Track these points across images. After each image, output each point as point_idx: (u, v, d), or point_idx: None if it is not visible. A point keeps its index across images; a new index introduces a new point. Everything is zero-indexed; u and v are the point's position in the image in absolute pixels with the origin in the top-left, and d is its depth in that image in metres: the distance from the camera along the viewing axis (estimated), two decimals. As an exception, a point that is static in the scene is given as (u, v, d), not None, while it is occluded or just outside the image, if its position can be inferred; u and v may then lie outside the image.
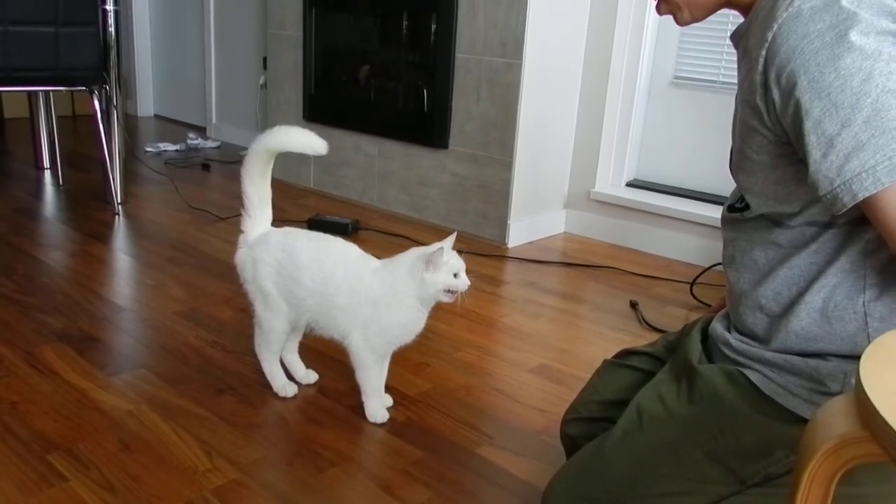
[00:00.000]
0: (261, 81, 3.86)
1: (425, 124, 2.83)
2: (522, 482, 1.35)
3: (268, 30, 3.40)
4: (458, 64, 2.69)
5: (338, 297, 1.44)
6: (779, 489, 0.94)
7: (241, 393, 1.58)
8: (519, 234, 2.73)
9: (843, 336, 0.91)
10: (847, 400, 0.60)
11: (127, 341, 1.82)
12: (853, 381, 0.86)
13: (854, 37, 0.78)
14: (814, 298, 0.92)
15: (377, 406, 1.51)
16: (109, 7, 2.73)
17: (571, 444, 1.26)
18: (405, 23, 2.86)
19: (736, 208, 1.02)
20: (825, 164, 0.80)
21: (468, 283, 1.42)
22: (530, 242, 2.77)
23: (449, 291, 1.40)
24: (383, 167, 3.05)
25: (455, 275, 1.40)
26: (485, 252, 2.62)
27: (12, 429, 1.40)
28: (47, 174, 3.34)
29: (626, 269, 2.52)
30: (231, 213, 2.87)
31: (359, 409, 1.55)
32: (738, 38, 0.98)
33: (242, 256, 1.54)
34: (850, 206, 0.80)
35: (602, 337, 1.98)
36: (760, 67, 0.85)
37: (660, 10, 1.03)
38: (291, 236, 1.51)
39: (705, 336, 1.11)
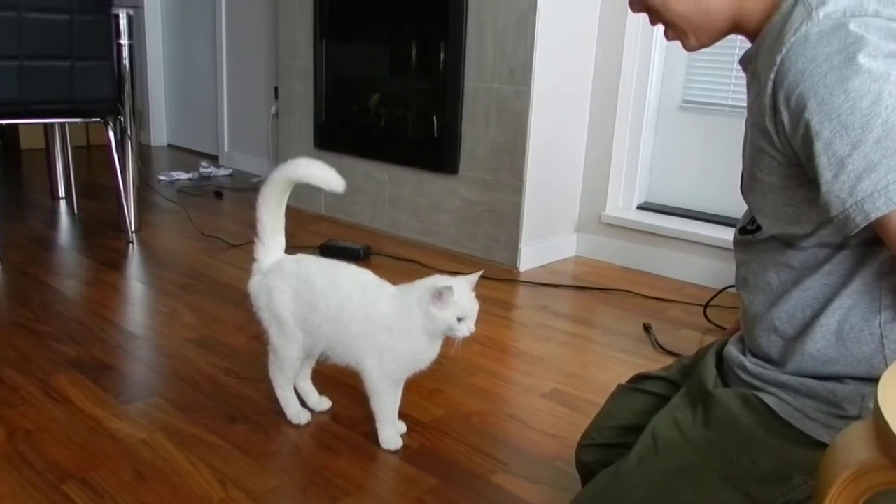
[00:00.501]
0: (272, 111, 3.90)
1: (435, 150, 2.85)
2: (538, 509, 1.33)
3: (279, 60, 3.45)
4: (468, 91, 2.72)
5: (353, 322, 1.43)
6: None
7: (254, 420, 1.57)
8: (530, 257, 2.73)
9: (860, 358, 0.90)
10: (866, 426, 0.60)
11: (140, 369, 1.83)
12: (871, 404, 0.85)
13: (862, 60, 0.79)
14: (829, 321, 0.92)
15: (391, 433, 1.50)
16: (124, 41, 2.78)
17: (586, 471, 1.25)
18: (415, 51, 2.90)
19: (748, 230, 1.02)
20: (837, 184, 0.80)
21: (470, 332, 1.38)
22: (542, 266, 2.77)
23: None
24: (394, 193, 3.07)
25: (461, 318, 1.37)
26: (496, 276, 2.62)
27: (27, 458, 1.40)
28: (62, 203, 3.37)
29: (638, 292, 2.52)
30: (243, 241, 2.89)
31: (373, 436, 1.54)
32: (746, 61, 0.99)
33: (256, 284, 1.54)
34: (862, 226, 0.80)
35: (615, 361, 1.97)
36: (769, 90, 0.86)
37: (668, 35, 1.03)
38: (306, 263, 1.51)
39: (720, 360, 1.10)
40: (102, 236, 2.89)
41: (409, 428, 1.57)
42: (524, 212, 2.65)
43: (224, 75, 4.35)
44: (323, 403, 1.63)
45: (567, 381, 1.85)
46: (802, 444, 0.93)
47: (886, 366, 0.86)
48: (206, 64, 4.55)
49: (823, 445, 0.89)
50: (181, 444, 1.48)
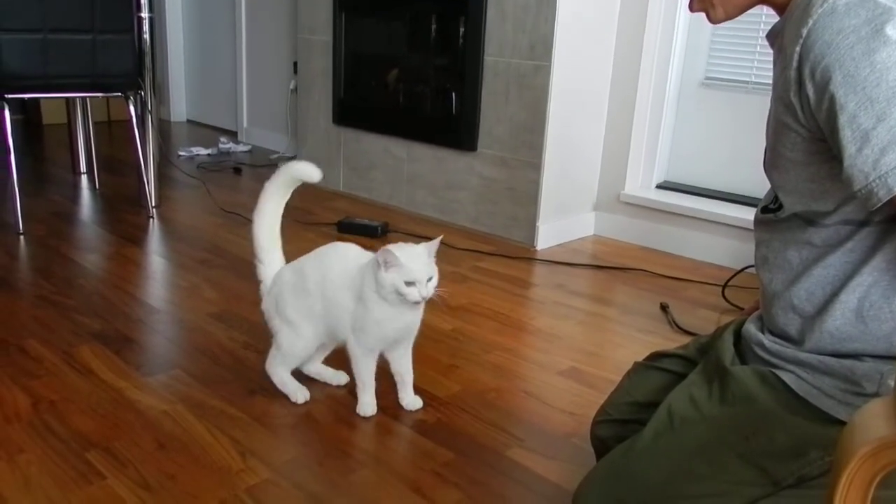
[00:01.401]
0: (291, 86, 3.90)
1: (454, 127, 2.83)
2: (552, 485, 1.34)
3: (298, 35, 3.44)
4: (487, 67, 2.70)
5: (336, 292, 1.46)
6: (813, 491, 0.93)
7: (273, 394, 1.59)
8: (548, 236, 2.72)
9: (879, 336, 0.90)
10: (885, 403, 0.59)
11: (161, 342, 1.85)
12: (890, 381, 0.86)
13: (890, 31, 0.78)
14: (849, 298, 0.91)
15: (367, 400, 1.53)
16: (144, 14, 2.78)
17: (601, 446, 1.25)
18: (434, 26, 2.88)
19: (770, 209, 1.02)
20: (860, 158, 0.79)
21: (422, 296, 1.37)
22: (559, 245, 2.76)
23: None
24: (412, 170, 3.06)
25: (409, 283, 1.36)
26: (514, 254, 2.62)
27: (52, 427, 1.43)
28: (84, 178, 3.41)
29: (656, 272, 2.50)
30: (262, 217, 2.91)
31: (389, 410, 1.56)
32: (773, 36, 0.98)
33: (267, 303, 1.58)
34: (885, 200, 0.79)
35: (632, 340, 1.97)
36: (795, 63, 0.85)
37: (692, 6, 1.02)
38: (301, 260, 1.55)
39: (738, 338, 1.10)
40: (123, 211, 2.92)
41: (425, 403, 1.58)
42: (542, 190, 2.64)
43: (243, 50, 4.35)
44: (339, 377, 1.65)
45: (584, 358, 1.85)
46: (819, 421, 0.93)
47: None
48: (226, 39, 4.55)
49: (841, 423, 0.90)
50: (202, 415, 1.50)
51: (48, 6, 2.50)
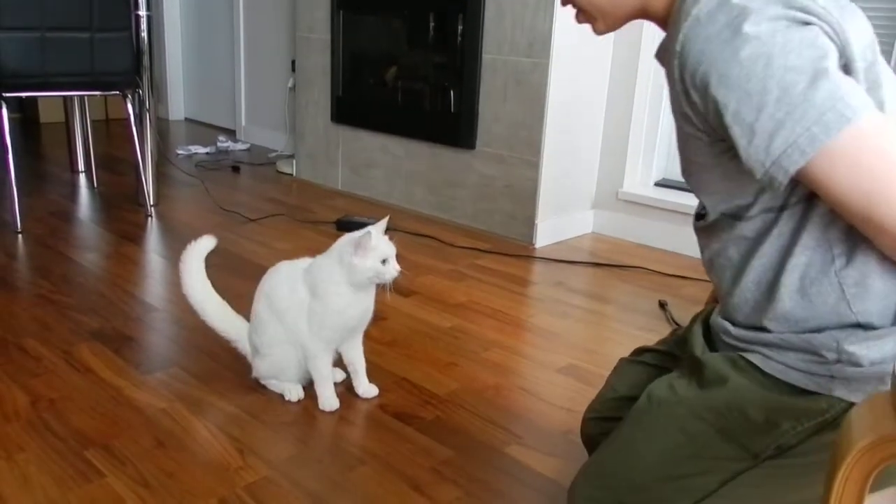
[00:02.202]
0: (289, 84, 3.90)
1: (452, 125, 2.83)
2: (550, 481, 1.35)
3: (296, 33, 3.44)
4: (485, 64, 2.70)
5: (288, 314, 1.50)
6: (793, 459, 0.97)
7: (271, 392, 1.59)
8: (546, 234, 2.73)
9: (826, 310, 0.94)
10: (883, 398, 0.59)
11: (160, 340, 1.85)
12: (847, 346, 0.90)
13: (748, 28, 0.82)
14: (790, 280, 0.95)
15: (328, 394, 1.54)
16: (142, 13, 2.78)
17: (591, 444, 1.28)
18: (432, 24, 2.88)
19: (700, 215, 1.07)
20: (752, 149, 0.84)
21: (397, 270, 1.45)
22: (558, 242, 2.76)
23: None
24: (410, 168, 3.06)
25: (384, 261, 1.43)
26: (512, 252, 2.62)
27: (50, 425, 1.43)
28: (82, 177, 3.41)
29: (654, 269, 2.51)
30: (261, 215, 2.91)
31: (388, 407, 1.56)
32: (661, 54, 1.02)
33: (257, 367, 1.60)
34: (785, 182, 0.84)
35: (630, 337, 1.97)
36: (677, 76, 0.90)
37: (578, 19, 1.08)
38: (253, 306, 1.58)
39: (708, 328, 1.13)
40: (121, 209, 2.92)
41: (424, 400, 1.59)
42: (541, 188, 2.64)
43: (242, 49, 4.35)
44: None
45: (582, 356, 1.85)
46: (789, 393, 0.96)
47: (852, 312, 0.92)
48: (224, 37, 4.54)
49: (808, 393, 0.95)
50: (200, 413, 1.50)
51: (46, 4, 2.50)
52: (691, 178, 1.03)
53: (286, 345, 1.52)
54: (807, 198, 0.92)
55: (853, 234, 0.90)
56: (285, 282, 1.52)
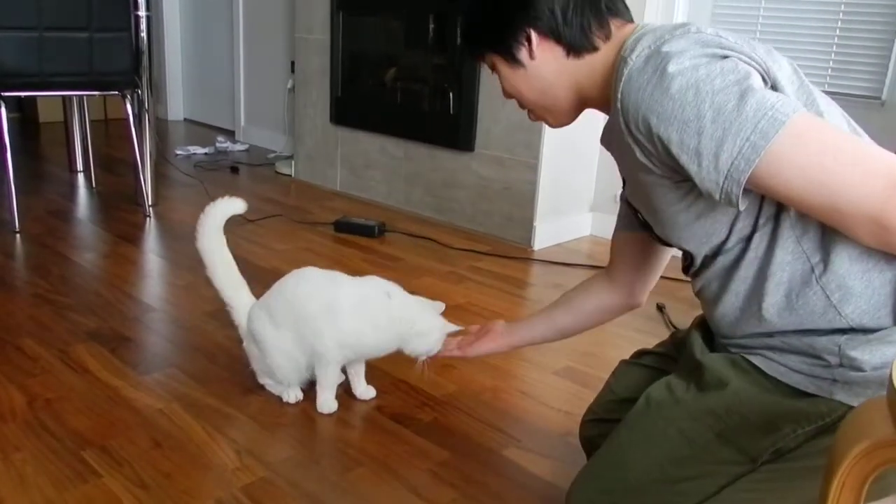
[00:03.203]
0: (288, 85, 3.90)
1: (451, 127, 2.84)
2: (548, 484, 1.35)
3: (295, 34, 3.44)
4: (485, 66, 2.69)
5: (310, 322, 1.49)
6: (792, 463, 0.97)
7: (268, 393, 1.59)
8: (545, 236, 2.73)
9: (816, 318, 0.95)
10: (879, 402, 0.60)
11: (157, 341, 1.85)
12: (849, 351, 0.91)
13: (672, 68, 0.88)
14: (776, 299, 0.97)
15: (328, 398, 1.55)
16: (142, 13, 2.78)
17: (590, 446, 1.29)
18: (431, 25, 2.88)
19: (688, 268, 1.11)
20: (703, 172, 0.88)
21: (428, 357, 1.48)
22: (556, 245, 2.76)
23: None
24: (409, 169, 3.06)
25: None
26: (510, 254, 2.62)
27: (47, 426, 1.43)
28: (80, 177, 3.40)
29: (652, 272, 2.51)
30: (259, 216, 2.91)
31: (385, 409, 1.56)
32: (605, 140, 1.08)
33: (248, 344, 1.59)
34: (740, 193, 0.87)
35: (628, 340, 1.97)
36: (625, 130, 0.94)
37: (530, 117, 1.15)
38: (269, 296, 1.57)
39: (707, 331, 1.14)
40: (120, 210, 2.92)
41: (421, 403, 1.59)
42: (539, 190, 2.64)
43: (241, 49, 4.35)
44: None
45: (580, 358, 1.85)
46: (790, 396, 0.97)
47: (841, 316, 0.93)
48: (223, 38, 4.54)
49: (810, 395, 0.95)
50: (197, 414, 1.50)
51: (44, 4, 2.50)
52: (670, 232, 1.05)
53: (290, 347, 1.51)
54: (774, 216, 0.95)
55: (825, 240, 0.93)
56: (319, 291, 1.50)
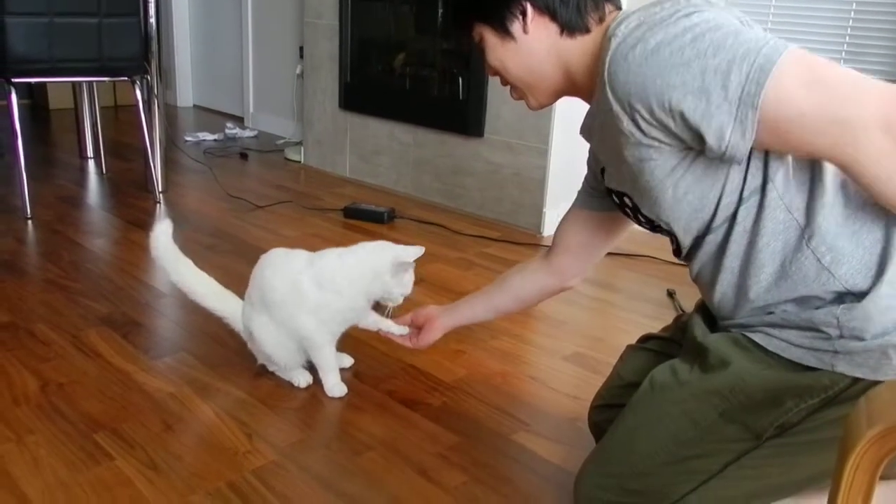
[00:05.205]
0: (297, 71, 3.89)
1: (460, 112, 2.82)
2: (557, 468, 1.35)
3: (304, 19, 3.42)
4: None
5: (273, 293, 1.50)
6: (796, 437, 0.97)
7: (278, 377, 1.60)
8: (554, 222, 2.70)
9: (810, 283, 0.95)
10: (894, 386, 0.59)
11: (168, 326, 1.86)
12: (848, 322, 0.92)
13: (660, 27, 0.89)
14: (771, 269, 0.98)
15: (334, 381, 1.55)
16: (150, -2, 2.78)
17: (598, 431, 1.29)
18: (440, 10, 2.86)
19: (679, 254, 1.11)
20: (713, 107, 0.86)
21: (402, 299, 1.50)
22: (566, 231, 2.75)
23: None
24: (418, 155, 3.06)
25: (402, 294, 1.48)
26: (520, 240, 2.61)
27: (60, 409, 1.44)
28: (91, 163, 3.41)
29: (662, 258, 2.50)
30: (269, 202, 2.91)
31: (395, 394, 1.56)
32: (587, 130, 1.09)
33: (252, 346, 1.59)
34: (756, 119, 0.85)
35: (638, 326, 1.97)
36: (612, 98, 0.93)
37: (512, 94, 1.14)
38: (248, 291, 1.58)
39: (709, 313, 1.14)
40: (130, 196, 2.93)
41: (431, 387, 1.59)
42: (549, 176, 2.63)
43: (250, 35, 4.34)
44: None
45: (589, 344, 1.85)
46: (792, 370, 0.97)
47: (834, 277, 0.94)
48: (232, 24, 4.53)
49: (810, 369, 0.96)
50: (208, 398, 1.51)
51: (54, -11, 2.50)
52: (661, 212, 1.04)
53: (277, 333, 1.52)
54: (760, 188, 0.95)
55: (811, 206, 0.94)
56: (280, 274, 1.50)
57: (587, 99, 1.08)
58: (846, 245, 0.93)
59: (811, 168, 0.94)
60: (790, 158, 0.94)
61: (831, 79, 0.85)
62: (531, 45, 1.06)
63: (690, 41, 0.87)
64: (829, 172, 0.94)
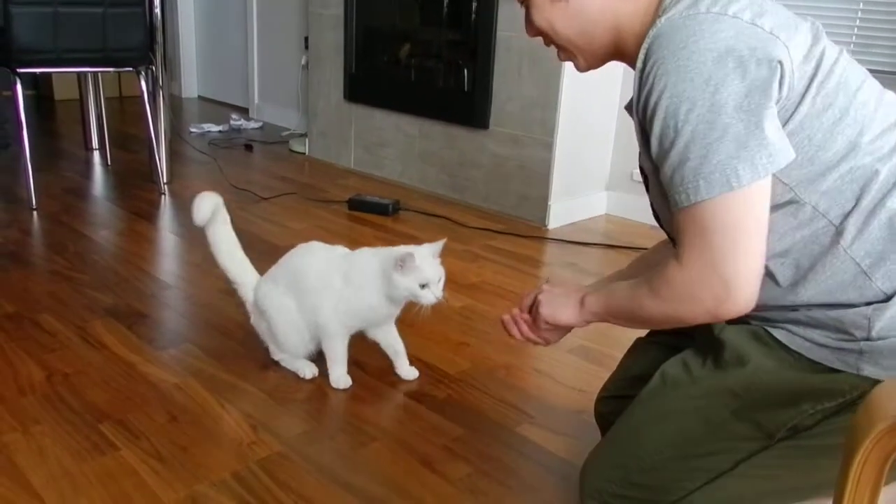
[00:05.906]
0: (302, 62, 3.88)
1: (466, 104, 2.81)
2: (561, 460, 1.35)
3: (309, 9, 3.41)
4: (500, 43, 2.67)
5: (312, 294, 1.51)
6: (808, 440, 0.96)
7: (283, 368, 1.60)
8: (559, 215, 2.71)
9: (845, 286, 0.92)
10: (903, 380, 0.58)
11: (173, 317, 1.86)
12: (877, 323, 0.89)
13: (701, 43, 0.88)
14: (803, 269, 0.94)
15: (340, 373, 1.55)
16: (155, -12, 2.77)
17: (604, 423, 1.28)
18: (446, 1, 2.85)
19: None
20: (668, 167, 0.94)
21: (436, 297, 1.42)
22: (571, 224, 2.75)
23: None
24: (424, 147, 3.05)
25: (423, 285, 1.40)
26: (525, 233, 2.61)
27: (66, 399, 1.45)
28: (96, 154, 3.41)
29: (668, 251, 2.49)
30: (273, 193, 2.91)
31: (400, 385, 1.56)
32: (631, 107, 1.05)
33: (255, 319, 1.62)
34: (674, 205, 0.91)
35: (643, 319, 1.96)
36: (638, 70, 0.94)
37: (560, 57, 1.09)
38: (274, 270, 1.60)
39: None
40: (135, 187, 2.93)
41: (436, 379, 1.59)
42: (554, 168, 2.62)
43: (254, 26, 4.33)
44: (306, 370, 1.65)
45: (594, 337, 1.84)
46: (812, 372, 0.95)
47: (872, 282, 0.90)
48: (237, 14, 4.52)
49: (833, 371, 0.93)
50: (213, 389, 1.51)
51: (59, -21, 2.49)
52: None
53: (296, 318, 1.53)
54: (790, 201, 0.92)
55: (853, 213, 0.90)
56: (318, 264, 1.53)
57: (634, 66, 1.02)
58: (888, 248, 0.90)
59: (851, 179, 0.91)
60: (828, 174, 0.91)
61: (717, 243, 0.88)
62: (584, 5, 1.00)
63: (704, 108, 0.88)
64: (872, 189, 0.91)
